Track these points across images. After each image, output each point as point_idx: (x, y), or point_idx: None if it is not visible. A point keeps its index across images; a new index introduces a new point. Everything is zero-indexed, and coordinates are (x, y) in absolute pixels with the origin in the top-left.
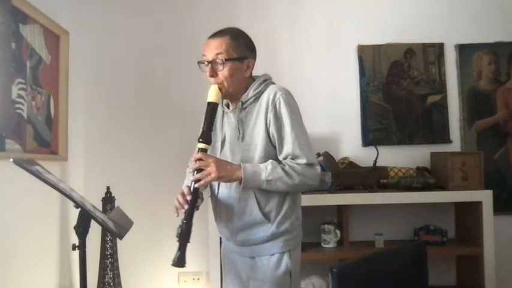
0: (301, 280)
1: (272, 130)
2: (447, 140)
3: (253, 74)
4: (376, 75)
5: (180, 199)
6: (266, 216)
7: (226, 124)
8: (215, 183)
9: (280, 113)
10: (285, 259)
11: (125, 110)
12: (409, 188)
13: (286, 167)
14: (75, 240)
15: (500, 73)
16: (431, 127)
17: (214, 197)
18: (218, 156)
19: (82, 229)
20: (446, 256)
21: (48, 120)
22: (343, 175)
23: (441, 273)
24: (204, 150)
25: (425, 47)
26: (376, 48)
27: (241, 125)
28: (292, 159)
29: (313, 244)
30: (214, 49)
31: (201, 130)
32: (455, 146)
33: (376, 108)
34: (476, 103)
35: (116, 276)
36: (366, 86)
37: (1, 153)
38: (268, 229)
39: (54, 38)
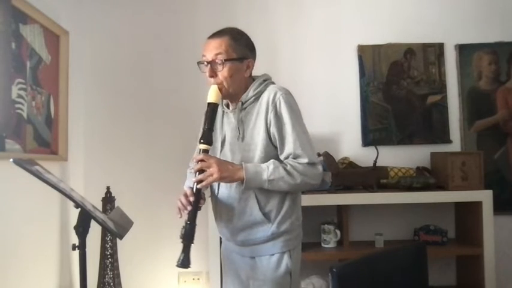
0: (301, 280)
1: (273, 130)
2: (447, 140)
3: (253, 74)
4: (376, 75)
5: (183, 200)
6: (266, 216)
7: (226, 124)
8: (215, 183)
9: (281, 113)
10: (285, 259)
11: (125, 110)
12: (409, 188)
13: (288, 167)
14: (75, 240)
15: (500, 73)
16: (431, 127)
17: (214, 197)
18: (218, 156)
19: (82, 229)
20: (446, 256)
21: (48, 120)
22: (343, 175)
23: (441, 273)
24: (205, 151)
25: (425, 47)
26: (376, 48)
27: (241, 125)
28: (294, 158)
29: (313, 244)
30: (213, 49)
31: (202, 131)
32: (455, 146)
33: (376, 108)
34: (476, 103)
35: (116, 276)
36: (366, 86)
37: (1, 153)
38: (269, 229)
39: (54, 38)
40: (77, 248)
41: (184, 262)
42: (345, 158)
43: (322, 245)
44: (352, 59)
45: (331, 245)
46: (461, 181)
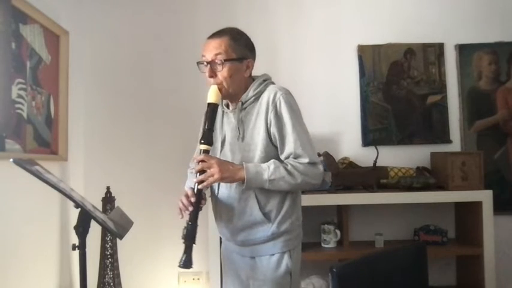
0: (301, 280)
1: (273, 130)
2: (447, 140)
3: (253, 74)
4: (376, 75)
5: (184, 201)
6: (266, 216)
7: (226, 124)
8: (215, 183)
9: (281, 113)
10: (285, 259)
11: (125, 110)
12: (409, 188)
13: (289, 167)
14: (75, 240)
15: (500, 73)
16: (431, 127)
17: (214, 197)
18: (218, 156)
19: (82, 229)
20: (446, 256)
21: (48, 120)
22: (343, 175)
23: (441, 273)
24: (206, 152)
25: (425, 47)
26: (376, 48)
27: (241, 125)
28: (295, 158)
29: (313, 244)
30: (213, 49)
31: (202, 131)
32: (455, 146)
33: (376, 108)
34: (476, 103)
35: (116, 276)
36: (366, 86)
37: (1, 153)
38: (269, 229)
39: (54, 38)
40: (77, 248)
41: (187, 263)
42: (345, 158)
43: (322, 245)
44: (352, 59)
45: (331, 245)
46: (461, 181)
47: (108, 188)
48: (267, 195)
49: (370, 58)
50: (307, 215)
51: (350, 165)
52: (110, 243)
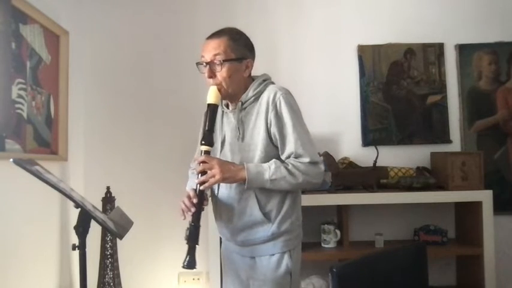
0: (301, 280)
1: (273, 130)
2: (447, 140)
3: (252, 74)
4: (376, 75)
5: (186, 202)
6: (266, 216)
7: (226, 124)
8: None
9: (281, 113)
10: (285, 259)
11: (125, 110)
12: (409, 188)
13: (290, 166)
14: (75, 240)
15: (500, 73)
16: (431, 127)
17: (214, 197)
18: (218, 156)
19: (82, 229)
20: (446, 256)
21: (48, 120)
22: (343, 175)
23: (441, 273)
24: (207, 153)
25: (425, 47)
26: (376, 48)
27: (241, 125)
28: (295, 158)
29: (313, 244)
30: (212, 50)
31: (203, 132)
32: (455, 146)
33: (376, 108)
34: (476, 103)
35: (116, 276)
36: (366, 86)
37: (1, 153)
38: (269, 229)
39: (54, 38)
40: (77, 248)
41: (190, 263)
42: (345, 158)
43: (322, 245)
44: (352, 59)
45: (331, 245)
46: (461, 181)
47: (108, 188)
48: (267, 195)
49: (370, 58)
50: (307, 215)
51: (350, 165)
52: (110, 243)
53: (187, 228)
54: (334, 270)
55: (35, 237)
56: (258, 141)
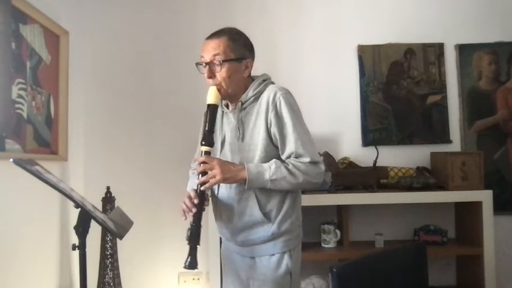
0: (301, 280)
1: (273, 130)
2: (447, 140)
3: (252, 74)
4: (376, 75)
5: (187, 203)
6: (266, 216)
7: (226, 124)
8: None
9: (281, 113)
10: (286, 259)
11: (125, 110)
12: (409, 188)
13: (290, 166)
14: (75, 240)
15: (500, 73)
16: (431, 127)
17: (214, 197)
18: (218, 156)
19: (82, 229)
20: (446, 256)
21: (48, 120)
22: (343, 175)
23: (441, 273)
24: (207, 153)
25: (425, 47)
26: (376, 48)
27: (241, 125)
28: (296, 158)
29: (313, 244)
30: (211, 50)
31: (203, 133)
32: (455, 146)
33: (376, 108)
34: (476, 103)
35: (116, 276)
36: (366, 86)
37: (1, 153)
38: (269, 229)
39: (54, 38)
40: (77, 248)
41: (192, 264)
42: (345, 158)
43: (322, 245)
44: (352, 59)
45: (331, 245)
46: (461, 181)
47: (108, 188)
48: (267, 195)
49: (370, 58)
50: (307, 215)
51: (350, 165)
52: (110, 243)
53: (189, 229)
54: (334, 270)
55: (35, 237)
56: (258, 141)
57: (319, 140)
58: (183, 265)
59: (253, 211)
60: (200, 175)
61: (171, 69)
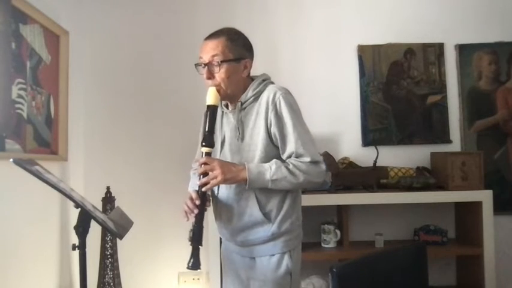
0: (301, 280)
1: (274, 130)
2: (447, 140)
3: (252, 74)
4: (376, 75)
5: (189, 204)
6: (266, 216)
7: (225, 125)
8: None
9: (281, 113)
10: (286, 259)
11: (125, 110)
12: (409, 188)
13: (291, 166)
14: (75, 240)
15: (500, 73)
16: (431, 127)
17: (214, 197)
18: (218, 156)
19: (82, 229)
20: (446, 256)
21: (48, 120)
22: (343, 175)
23: (441, 273)
24: (208, 154)
25: (425, 47)
26: (376, 48)
27: (241, 125)
28: (296, 157)
29: (313, 244)
30: (210, 51)
31: (203, 133)
32: (455, 146)
33: (376, 108)
34: (476, 103)
35: (116, 276)
36: (366, 86)
37: (1, 153)
38: (269, 229)
39: (54, 38)
40: (77, 248)
41: (195, 264)
42: (345, 158)
43: (322, 245)
44: (352, 59)
45: (331, 245)
46: (461, 181)
47: (108, 188)
48: (267, 195)
49: (370, 58)
50: (307, 215)
51: (350, 165)
52: (110, 243)
53: (191, 230)
54: (334, 270)
55: (35, 237)
56: (258, 141)
57: (319, 140)
58: (186, 266)
59: (253, 211)
60: (201, 176)
61: (171, 69)
